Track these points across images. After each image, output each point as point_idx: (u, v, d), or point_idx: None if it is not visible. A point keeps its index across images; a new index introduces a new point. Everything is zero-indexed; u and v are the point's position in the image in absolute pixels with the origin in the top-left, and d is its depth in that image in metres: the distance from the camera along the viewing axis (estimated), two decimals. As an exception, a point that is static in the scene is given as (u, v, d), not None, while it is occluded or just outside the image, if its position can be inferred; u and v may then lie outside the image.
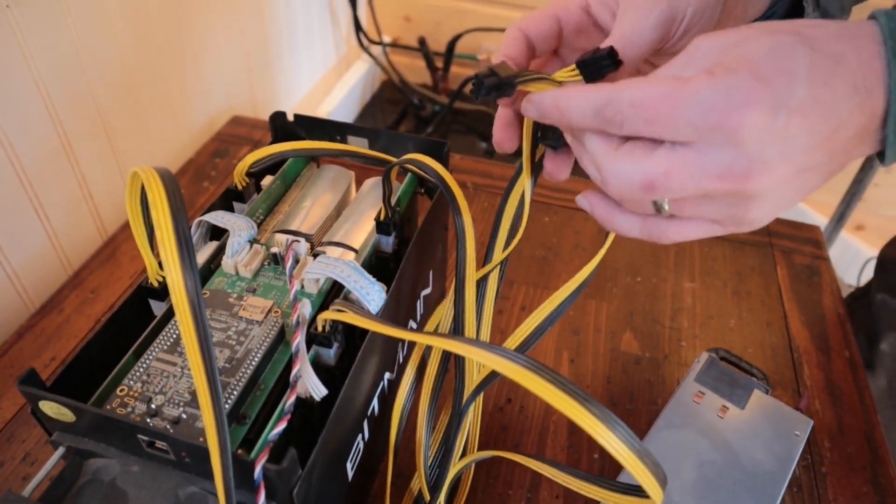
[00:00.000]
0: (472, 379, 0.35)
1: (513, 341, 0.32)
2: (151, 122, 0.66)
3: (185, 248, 0.24)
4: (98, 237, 0.61)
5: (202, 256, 0.38)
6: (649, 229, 0.29)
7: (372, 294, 0.34)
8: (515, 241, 0.36)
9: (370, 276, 0.35)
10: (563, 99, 0.27)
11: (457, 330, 0.34)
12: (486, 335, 0.37)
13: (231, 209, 0.42)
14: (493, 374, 0.29)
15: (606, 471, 0.44)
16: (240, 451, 0.30)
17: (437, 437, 0.43)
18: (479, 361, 0.26)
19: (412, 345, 0.44)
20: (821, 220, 1.20)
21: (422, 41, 1.18)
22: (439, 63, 1.20)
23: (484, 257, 0.37)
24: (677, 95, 0.24)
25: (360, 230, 0.43)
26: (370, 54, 1.16)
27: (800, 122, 0.24)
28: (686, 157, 0.25)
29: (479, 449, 0.43)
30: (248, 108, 0.85)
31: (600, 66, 0.30)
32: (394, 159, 0.39)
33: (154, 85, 0.65)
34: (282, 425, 0.28)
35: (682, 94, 0.24)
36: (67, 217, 0.57)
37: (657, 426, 0.43)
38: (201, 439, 0.28)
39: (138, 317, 0.35)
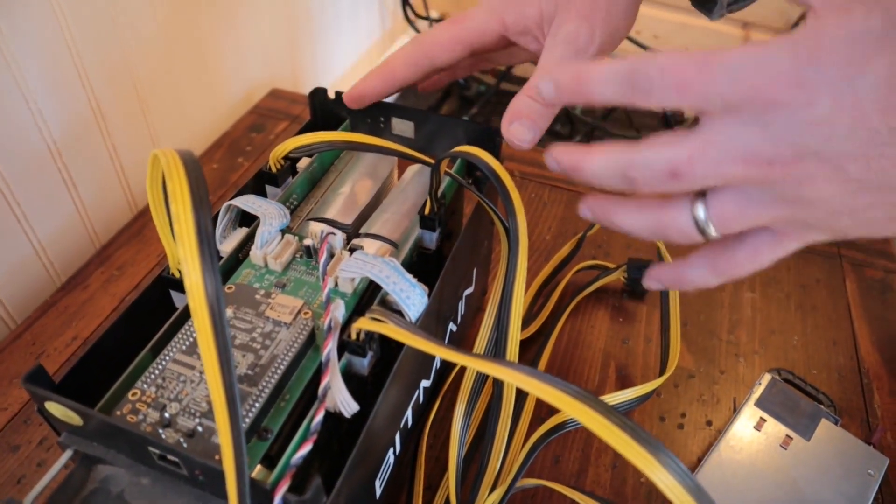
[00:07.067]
0: (510, 397, 0.33)
1: None
2: (187, 93, 0.63)
3: (207, 247, 0.21)
4: (128, 211, 0.59)
5: (230, 245, 0.35)
6: (719, 265, 0.27)
7: (413, 297, 0.31)
8: None
9: (411, 278, 0.31)
10: (586, 71, 0.25)
11: (498, 351, 0.31)
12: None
13: (263, 193, 0.39)
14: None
15: (654, 495, 0.40)
16: (259, 467, 0.27)
17: (468, 442, 0.40)
18: (523, 388, 0.22)
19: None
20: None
21: (469, 18, 1.14)
22: (486, 41, 1.15)
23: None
24: (711, 63, 0.22)
25: (401, 222, 0.40)
26: (416, 29, 1.12)
27: (853, 120, 0.20)
28: (710, 138, 0.23)
29: (519, 465, 0.39)
30: (289, 82, 0.82)
31: None
32: (432, 161, 0.36)
33: (192, 54, 0.62)
34: (307, 447, 0.25)
35: (715, 62, 0.22)
36: (97, 189, 0.55)
37: (713, 455, 0.39)
38: (217, 457, 0.25)
39: (159, 308, 0.32)
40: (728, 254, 0.26)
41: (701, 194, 0.24)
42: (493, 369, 0.23)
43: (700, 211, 0.24)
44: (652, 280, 0.30)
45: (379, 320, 0.27)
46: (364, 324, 0.27)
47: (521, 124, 0.31)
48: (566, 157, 0.27)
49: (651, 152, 0.24)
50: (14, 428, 0.42)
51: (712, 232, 0.25)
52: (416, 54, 0.35)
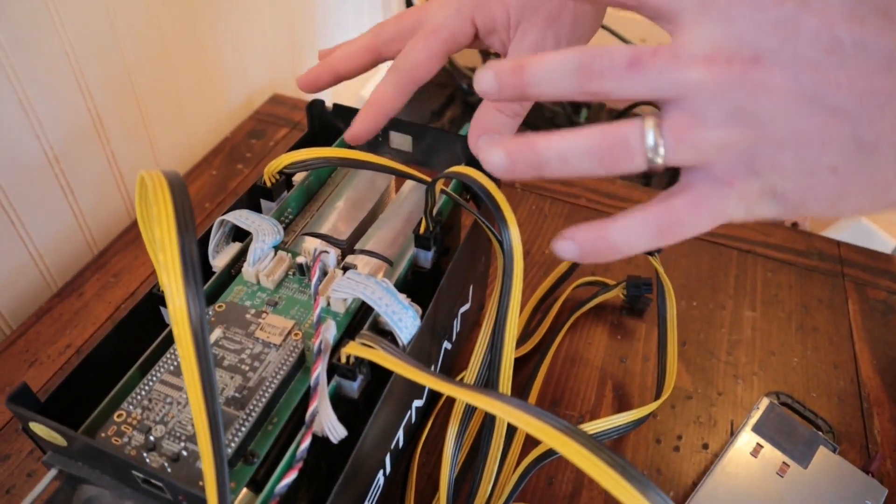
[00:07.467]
0: (501, 426, 0.32)
1: None
2: (187, 98, 0.63)
3: (192, 273, 0.21)
4: (126, 217, 0.59)
5: (222, 260, 0.34)
6: (658, 217, 0.24)
7: (405, 320, 0.31)
8: None
9: (404, 299, 0.31)
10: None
11: (490, 381, 0.31)
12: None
13: (258, 207, 0.39)
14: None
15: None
16: (245, 491, 0.27)
17: (461, 462, 0.40)
18: (510, 421, 0.22)
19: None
20: (889, 241, 1.12)
21: (475, 23, 1.13)
22: (492, 47, 1.14)
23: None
24: None
25: (397, 238, 0.39)
26: (421, 34, 1.11)
27: (818, 24, 0.20)
28: (675, 41, 0.22)
29: (511, 489, 0.39)
30: (290, 86, 0.81)
31: None
32: (428, 179, 0.35)
33: (191, 58, 0.62)
34: (291, 475, 0.25)
35: None
36: (95, 195, 0.55)
37: (708, 481, 0.39)
38: (201, 483, 0.25)
39: (150, 323, 0.32)
40: (666, 204, 0.24)
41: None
42: (480, 401, 0.23)
43: (651, 123, 0.23)
44: (565, 241, 0.24)
45: (369, 346, 0.27)
46: (354, 349, 0.27)
47: (489, 139, 0.29)
48: (509, 73, 0.24)
49: (613, 48, 0.23)
50: (4, 437, 0.41)
51: (661, 152, 0.23)
52: (402, 81, 0.34)
